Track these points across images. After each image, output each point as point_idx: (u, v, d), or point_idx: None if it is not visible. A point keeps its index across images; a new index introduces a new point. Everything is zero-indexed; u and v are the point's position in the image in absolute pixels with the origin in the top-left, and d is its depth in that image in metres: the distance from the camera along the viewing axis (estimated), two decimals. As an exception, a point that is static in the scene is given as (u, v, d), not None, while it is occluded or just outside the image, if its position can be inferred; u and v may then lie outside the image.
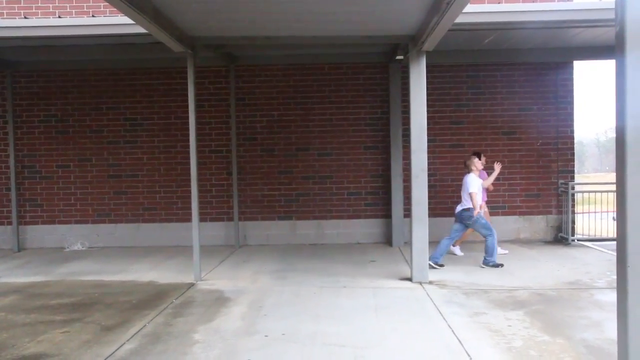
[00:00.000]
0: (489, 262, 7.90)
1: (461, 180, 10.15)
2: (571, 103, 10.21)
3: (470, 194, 7.89)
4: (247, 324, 5.40)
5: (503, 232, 10.07)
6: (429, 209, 7.26)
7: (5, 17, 10.08)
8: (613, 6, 2.93)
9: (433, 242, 8.37)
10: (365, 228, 10.34)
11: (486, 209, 8.76)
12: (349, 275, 7.58)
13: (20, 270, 8.43)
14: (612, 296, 6.04)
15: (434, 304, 6.02)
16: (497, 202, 10.19)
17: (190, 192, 7.49)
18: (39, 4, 10.11)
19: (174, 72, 10.27)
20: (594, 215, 10.66)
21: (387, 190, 10.19)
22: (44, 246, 10.48)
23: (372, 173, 10.33)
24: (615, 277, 3.09)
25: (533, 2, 9.59)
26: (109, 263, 8.78)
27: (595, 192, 10.77)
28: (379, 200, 10.33)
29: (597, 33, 8.35)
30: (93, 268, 8.41)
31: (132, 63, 10.08)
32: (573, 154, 10.33)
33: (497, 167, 8.30)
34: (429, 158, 7.32)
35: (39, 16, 10.00)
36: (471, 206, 7.91)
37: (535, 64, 10.12)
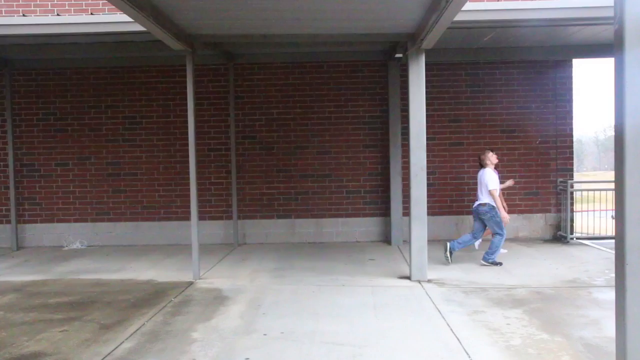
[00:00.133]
0: (489, 259, 7.90)
1: (461, 178, 10.24)
2: (570, 101, 10.21)
3: (490, 192, 7.87)
4: (246, 322, 5.40)
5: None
6: (428, 207, 7.27)
7: (3, 15, 10.07)
8: (612, 4, 2.93)
9: (432, 241, 8.38)
10: (364, 226, 10.34)
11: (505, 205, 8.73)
12: (348, 273, 7.58)
13: (19, 268, 8.42)
14: (610, 294, 6.05)
15: (433, 302, 6.03)
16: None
17: (189, 191, 7.49)
18: (38, 2, 10.09)
19: (172, 71, 10.27)
20: (592, 214, 10.67)
21: (386, 189, 10.19)
22: (42, 245, 10.47)
23: (371, 171, 10.32)
24: (613, 275, 3.09)
25: None
26: (108, 261, 8.77)
27: (594, 190, 10.78)
28: (378, 199, 10.32)
29: (596, 31, 8.34)
30: (92, 267, 8.40)
31: (131, 61, 10.06)
32: (572, 152, 10.33)
33: (510, 183, 8.20)
34: (428, 156, 7.34)
35: (38, 14, 9.99)
36: (487, 201, 7.89)
37: (534, 62, 10.12)
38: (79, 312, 5.84)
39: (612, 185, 9.52)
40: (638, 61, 2.83)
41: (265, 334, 5.01)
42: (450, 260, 8.05)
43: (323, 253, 9.20)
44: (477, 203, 8.11)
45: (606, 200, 10.26)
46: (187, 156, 7.71)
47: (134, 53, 9.41)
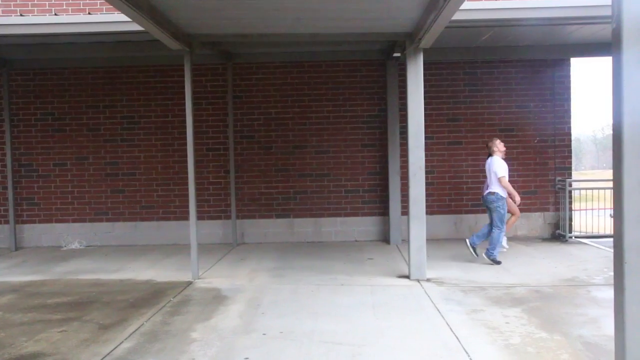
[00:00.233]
0: (491, 255, 7.89)
1: (459, 177, 10.25)
2: (568, 100, 10.22)
3: (500, 180, 7.84)
4: (245, 322, 5.40)
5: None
6: (427, 206, 7.26)
7: (1, 14, 10.04)
8: (610, 3, 2.93)
9: (430, 240, 8.38)
10: (362, 226, 10.34)
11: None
12: (347, 273, 7.58)
13: (17, 269, 8.41)
14: (609, 293, 6.05)
15: (432, 301, 6.03)
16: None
17: (187, 190, 7.49)
18: (35, 2, 10.07)
19: (171, 70, 10.25)
20: (591, 212, 10.68)
21: (384, 188, 10.19)
22: (41, 245, 10.46)
23: (369, 171, 10.33)
24: (612, 273, 3.09)
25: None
26: (107, 262, 8.77)
27: (592, 189, 10.79)
28: (376, 198, 10.33)
29: (594, 30, 8.36)
30: (90, 267, 8.40)
31: (129, 61, 10.05)
32: (570, 151, 10.34)
33: (517, 198, 8.01)
34: (426, 155, 7.33)
35: (35, 14, 9.97)
36: (496, 190, 7.87)
37: (533, 61, 10.13)
38: (78, 313, 5.84)
39: (611, 184, 9.54)
40: (636, 60, 2.84)
41: (264, 334, 5.02)
42: (477, 255, 8.08)
43: (322, 252, 9.20)
44: (486, 192, 8.05)
45: (604, 199, 10.27)
46: (186, 156, 7.69)
47: (132, 53, 9.40)
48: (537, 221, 10.25)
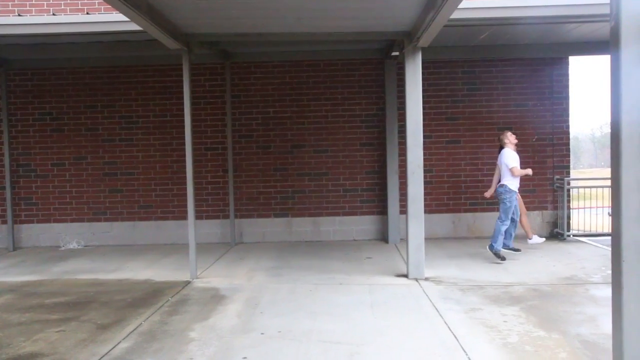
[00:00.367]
0: (492, 247, 7.90)
1: (458, 175, 10.25)
2: (566, 98, 10.22)
3: (511, 170, 7.86)
4: (243, 321, 5.39)
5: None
6: (425, 205, 7.27)
7: (-2, 14, 10.03)
8: (608, 1, 2.92)
9: (429, 239, 8.38)
10: (361, 225, 10.34)
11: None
12: (345, 272, 7.58)
13: (15, 269, 8.40)
14: (607, 291, 6.05)
15: (430, 300, 6.03)
16: (492, 198, 10.18)
17: (186, 190, 7.48)
18: (33, 2, 10.05)
19: (169, 70, 10.24)
20: (589, 211, 10.68)
21: (383, 187, 10.19)
22: (39, 245, 10.45)
23: (367, 170, 10.32)
24: (610, 272, 3.09)
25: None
26: (105, 261, 8.76)
27: (590, 187, 10.79)
28: (374, 197, 10.32)
29: (592, 28, 8.36)
30: (89, 266, 8.39)
31: (127, 60, 10.04)
32: (568, 150, 10.35)
33: (529, 170, 8.11)
34: (424, 154, 7.33)
35: (33, 14, 9.96)
36: (505, 182, 7.89)
37: (531, 60, 10.13)
38: (76, 312, 5.83)
39: (609, 182, 9.54)
40: (634, 58, 2.84)
41: (262, 333, 5.01)
42: (519, 250, 8.21)
43: (320, 251, 9.20)
44: (498, 184, 8.10)
45: (603, 197, 10.28)
46: (184, 155, 7.68)
47: (130, 52, 9.38)
48: (536, 220, 10.25)
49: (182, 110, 7.82)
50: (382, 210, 10.25)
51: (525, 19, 7.50)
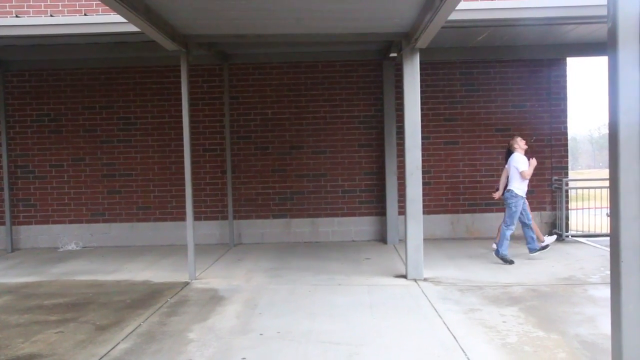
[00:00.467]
0: (498, 252, 7.92)
1: (456, 176, 10.26)
2: (564, 100, 10.23)
3: (521, 174, 7.85)
4: (242, 322, 5.39)
5: (497, 228, 10.07)
6: (424, 206, 7.26)
7: (-4, 16, 10.02)
8: (605, 3, 2.94)
9: (427, 240, 8.38)
10: (359, 226, 10.34)
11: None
12: (344, 273, 7.58)
13: (13, 270, 8.39)
14: (605, 291, 6.05)
15: (429, 300, 6.03)
16: (491, 199, 10.20)
17: (184, 191, 7.48)
18: (31, 3, 10.04)
19: (167, 71, 10.24)
20: (587, 212, 10.69)
21: (381, 188, 10.19)
22: (37, 246, 10.43)
23: (366, 171, 10.33)
24: (608, 272, 3.10)
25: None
26: (103, 263, 8.75)
27: (588, 188, 10.80)
28: (373, 198, 10.33)
29: (590, 29, 8.37)
30: (87, 268, 8.38)
31: (125, 62, 10.03)
32: (567, 151, 10.36)
33: (533, 161, 8.07)
34: (423, 155, 7.33)
35: (31, 15, 9.94)
36: (512, 188, 7.90)
37: (529, 61, 10.15)
38: (75, 314, 5.82)
39: (607, 183, 9.55)
40: (631, 59, 2.85)
41: (261, 334, 5.01)
42: (547, 246, 8.27)
43: (319, 252, 9.20)
44: (505, 189, 8.11)
45: (601, 198, 10.28)
46: (182, 157, 7.68)
47: (128, 54, 9.38)
48: (534, 220, 10.25)
49: (180, 111, 7.82)
50: (380, 211, 10.26)
51: (523, 20, 7.51)
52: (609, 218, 3.07)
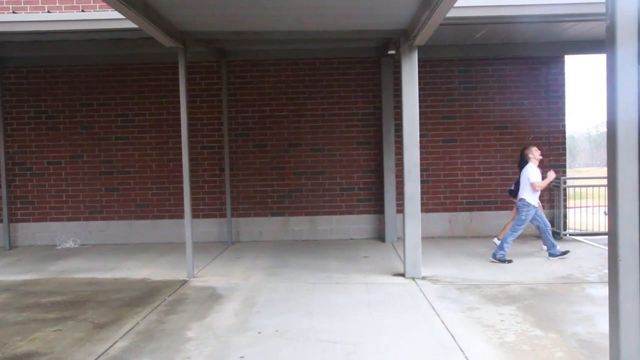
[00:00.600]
0: (496, 255, 7.91)
1: (454, 174, 10.26)
2: (562, 97, 10.24)
3: (532, 184, 7.82)
4: (241, 320, 5.39)
5: (495, 227, 10.10)
6: (422, 204, 7.27)
7: (-7, 12, 9.98)
8: (603, 0, 2.92)
9: (425, 238, 8.38)
10: (358, 224, 10.34)
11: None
12: (342, 271, 7.58)
13: (11, 268, 8.37)
14: (603, 290, 6.08)
15: (427, 299, 6.03)
16: (489, 197, 10.22)
17: (182, 189, 7.47)
18: (28, -1, 10.01)
19: (165, 68, 10.22)
20: (585, 210, 10.70)
21: (379, 186, 10.19)
22: (35, 244, 10.41)
23: (364, 169, 10.32)
24: (606, 271, 3.09)
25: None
26: (101, 260, 8.74)
27: (586, 186, 10.82)
28: (371, 196, 10.33)
29: (588, 27, 8.37)
30: (85, 265, 8.36)
31: (123, 59, 10.01)
32: (564, 149, 10.36)
33: (551, 175, 8.00)
34: (421, 153, 7.33)
35: (28, 11, 9.90)
36: (524, 197, 7.88)
37: (527, 59, 10.14)
38: (73, 312, 5.81)
39: (605, 181, 9.55)
40: (630, 57, 2.83)
41: (259, 332, 5.01)
42: (567, 251, 8.14)
43: (317, 251, 9.19)
44: (518, 197, 8.08)
45: (599, 196, 10.29)
46: (180, 154, 7.67)
47: (126, 50, 9.36)
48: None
49: (178, 108, 7.81)
50: (378, 209, 10.26)
51: (521, 17, 7.51)
52: (606, 216, 3.06)
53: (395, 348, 4.54)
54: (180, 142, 7.74)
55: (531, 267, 7.57)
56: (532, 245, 9.23)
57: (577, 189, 10.78)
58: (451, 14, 6.14)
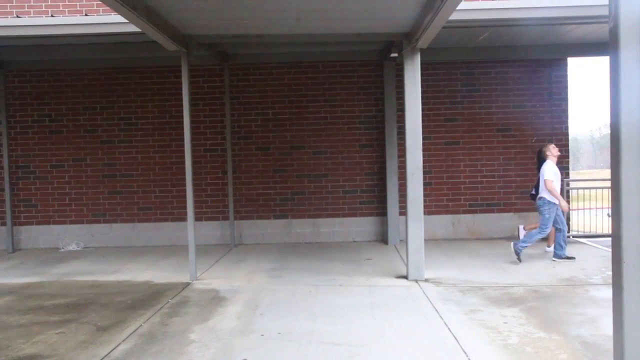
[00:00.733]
0: (517, 244, 7.90)
1: (457, 177, 10.26)
2: (565, 100, 10.22)
3: (545, 182, 7.81)
4: (243, 323, 5.39)
5: (498, 229, 10.10)
6: (424, 206, 7.27)
7: (-3, 16, 10.02)
8: (606, 2, 2.93)
9: (428, 240, 8.37)
10: (360, 226, 10.34)
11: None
12: (345, 273, 7.57)
13: (14, 271, 8.39)
14: (607, 292, 6.06)
15: (430, 301, 6.03)
16: (492, 199, 10.21)
17: (185, 192, 7.47)
18: (32, 3, 10.05)
19: (168, 71, 10.25)
20: (588, 212, 10.68)
21: (382, 188, 10.19)
22: (38, 247, 10.43)
23: (367, 171, 10.32)
24: (610, 273, 3.09)
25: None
26: (104, 263, 8.75)
27: (590, 188, 10.79)
28: (374, 198, 10.32)
29: (591, 29, 8.37)
30: (88, 268, 8.37)
31: (126, 62, 10.04)
32: (568, 151, 10.35)
33: (564, 204, 7.95)
34: (424, 156, 7.33)
35: (32, 15, 9.95)
36: (543, 195, 7.85)
37: (530, 61, 10.14)
38: (76, 314, 5.82)
39: (608, 183, 9.52)
40: (633, 58, 2.84)
41: (262, 335, 5.00)
42: (573, 257, 8.06)
43: (320, 253, 9.19)
44: (538, 196, 8.07)
45: (602, 198, 10.28)
46: (183, 157, 7.68)
47: (129, 54, 9.36)
48: (535, 221, 10.24)
49: (181, 111, 7.82)
50: (381, 211, 10.25)
51: (524, 20, 7.50)
52: (610, 218, 3.06)
53: (398, 350, 4.53)
54: (183, 145, 7.73)
55: (534, 269, 7.56)
56: (535, 247, 9.20)
57: (581, 191, 10.76)
58: (454, 16, 6.14)
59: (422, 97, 7.23)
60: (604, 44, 8.85)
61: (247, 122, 10.32)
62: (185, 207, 7.99)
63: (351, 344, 4.70)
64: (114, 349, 4.72)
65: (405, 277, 7.15)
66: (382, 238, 10.24)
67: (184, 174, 7.80)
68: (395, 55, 8.81)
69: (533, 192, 8.56)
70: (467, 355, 4.38)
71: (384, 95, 9.94)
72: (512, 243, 8.07)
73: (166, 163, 10.37)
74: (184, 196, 8.25)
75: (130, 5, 5.50)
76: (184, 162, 7.65)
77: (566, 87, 10.24)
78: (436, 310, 5.69)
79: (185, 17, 6.61)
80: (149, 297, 6.51)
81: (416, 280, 7.00)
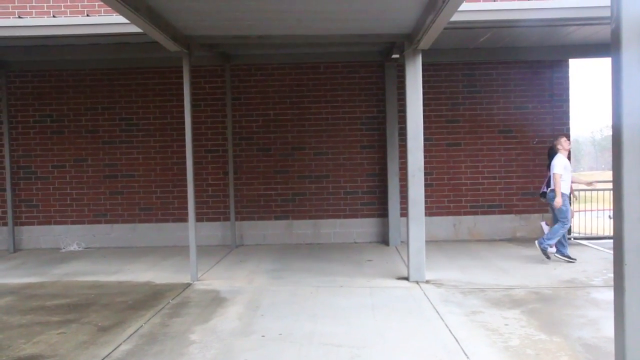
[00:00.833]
0: (543, 243, 7.88)
1: (458, 178, 10.25)
2: (567, 101, 10.22)
3: (554, 175, 7.81)
4: (244, 324, 5.38)
5: (499, 230, 10.09)
6: (426, 208, 7.26)
7: (-1, 17, 10.04)
8: (608, 4, 2.92)
9: (430, 242, 8.37)
10: (362, 227, 10.33)
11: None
12: (346, 274, 7.57)
13: (15, 271, 8.39)
14: (608, 294, 6.05)
15: (431, 303, 6.02)
16: (493, 201, 10.20)
17: (186, 192, 7.48)
18: (33, 4, 10.06)
19: (169, 72, 10.25)
20: (590, 214, 10.67)
21: (383, 190, 10.18)
22: (39, 247, 10.44)
23: (368, 172, 10.32)
24: (611, 275, 3.08)
25: None
26: (105, 263, 8.75)
27: (591, 190, 10.79)
28: (375, 200, 10.32)
29: (593, 31, 8.36)
30: (89, 269, 8.38)
31: (128, 63, 10.05)
32: (569, 152, 10.32)
33: (558, 199, 7.86)
34: (425, 157, 7.32)
35: (33, 16, 9.96)
36: (554, 188, 7.85)
37: (531, 62, 10.13)
38: (77, 315, 5.82)
39: (610, 185, 9.53)
40: (635, 60, 2.83)
41: (263, 336, 5.00)
42: (574, 259, 8.03)
43: (321, 254, 9.19)
44: (548, 189, 8.06)
45: (603, 200, 10.28)
46: (185, 158, 7.67)
47: (130, 55, 9.38)
48: (536, 223, 10.23)
49: (183, 112, 7.83)
50: (382, 212, 10.25)
51: (525, 21, 7.50)
52: (611, 220, 3.06)
53: (399, 351, 4.53)
54: (184, 146, 7.74)
55: (535, 271, 7.55)
56: (536, 249, 9.19)
57: (582, 193, 10.76)
58: (455, 17, 6.13)
59: (424, 99, 7.23)
60: (606, 46, 8.85)
61: (248, 123, 10.32)
62: (186, 208, 8.01)
63: (352, 345, 4.70)
64: (114, 349, 4.72)
65: (407, 279, 7.15)
66: (383, 239, 10.23)
67: (185, 174, 7.79)
68: (397, 56, 8.81)
69: (545, 189, 8.43)
70: (468, 357, 4.38)
71: (385, 96, 9.94)
72: (536, 241, 8.04)
73: (167, 164, 10.37)
74: (185, 197, 8.28)
75: (132, 6, 5.50)
76: (185, 163, 7.65)
77: (567, 89, 10.23)
78: (437, 311, 5.68)
79: (186, 18, 6.62)
80: (149, 297, 6.51)
81: (417, 282, 7.00)
